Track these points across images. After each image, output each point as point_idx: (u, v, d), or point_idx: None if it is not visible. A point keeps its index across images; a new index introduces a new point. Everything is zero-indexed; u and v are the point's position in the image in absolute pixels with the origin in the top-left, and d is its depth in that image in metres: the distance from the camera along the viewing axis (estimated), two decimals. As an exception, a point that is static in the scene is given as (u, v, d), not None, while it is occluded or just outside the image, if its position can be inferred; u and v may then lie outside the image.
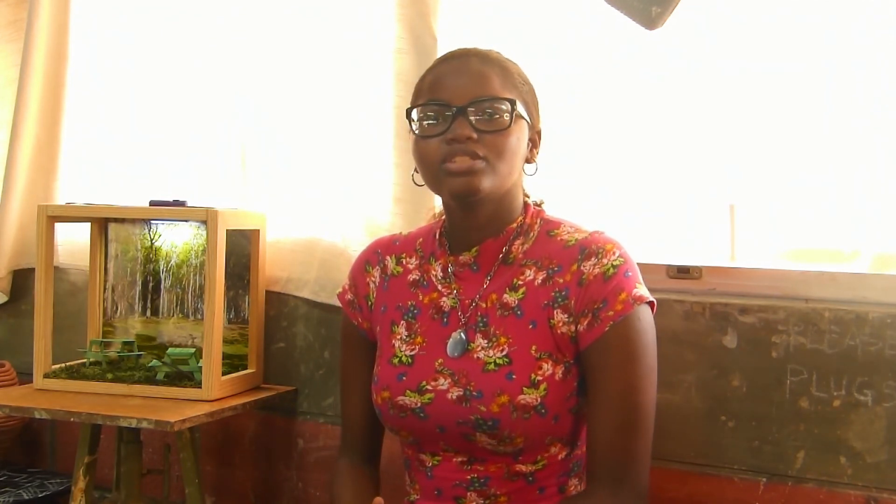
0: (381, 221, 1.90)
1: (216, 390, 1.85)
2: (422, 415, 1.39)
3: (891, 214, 1.60)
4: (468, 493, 1.40)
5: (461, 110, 1.33)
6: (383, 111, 1.91)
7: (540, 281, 1.38)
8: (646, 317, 1.35)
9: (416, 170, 1.44)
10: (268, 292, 2.05)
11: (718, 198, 1.76)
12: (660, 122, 1.78)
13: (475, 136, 1.33)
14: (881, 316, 1.48)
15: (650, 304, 1.36)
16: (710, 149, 1.75)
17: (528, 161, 1.43)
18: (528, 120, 1.40)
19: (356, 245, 1.88)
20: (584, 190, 1.84)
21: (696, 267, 1.68)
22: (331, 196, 2.00)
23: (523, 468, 1.38)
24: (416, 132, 1.38)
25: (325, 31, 2.00)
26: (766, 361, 1.56)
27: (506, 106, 1.35)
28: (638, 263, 1.70)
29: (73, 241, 2.28)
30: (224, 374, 1.89)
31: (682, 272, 1.69)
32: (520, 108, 1.37)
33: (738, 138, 1.72)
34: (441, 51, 1.79)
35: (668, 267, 1.71)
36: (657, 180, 1.80)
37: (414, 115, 1.38)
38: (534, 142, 1.44)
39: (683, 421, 1.62)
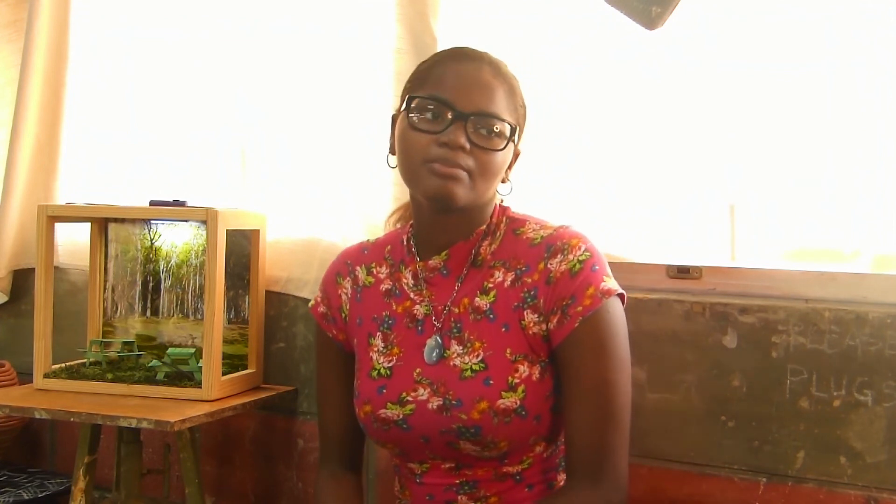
0: (380, 221, 1.89)
1: (216, 390, 1.85)
2: (405, 426, 1.38)
3: (891, 214, 1.60)
4: (459, 497, 1.40)
5: (462, 117, 1.32)
6: (383, 111, 1.90)
7: (509, 282, 1.38)
8: (616, 310, 1.34)
9: (390, 151, 1.43)
10: (268, 292, 2.05)
11: (718, 198, 1.76)
12: (660, 121, 1.78)
13: (468, 146, 1.31)
14: (881, 316, 1.48)
15: (620, 296, 1.36)
16: (711, 149, 1.75)
17: (501, 181, 1.42)
18: (515, 143, 1.40)
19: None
20: (585, 190, 1.83)
21: (696, 267, 1.68)
22: (331, 196, 2.00)
23: (511, 469, 1.38)
24: (410, 121, 1.35)
25: (325, 30, 2.00)
26: (766, 361, 1.56)
27: (505, 128, 1.34)
28: (638, 263, 1.72)
29: (73, 241, 2.29)
30: (224, 374, 1.89)
31: (682, 272, 1.69)
32: (515, 134, 1.37)
33: (738, 138, 1.72)
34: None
35: (668, 267, 1.71)
36: (657, 180, 1.79)
37: (412, 102, 1.36)
38: (510, 163, 1.42)
39: (683, 421, 1.62)
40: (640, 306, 1.64)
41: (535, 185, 1.77)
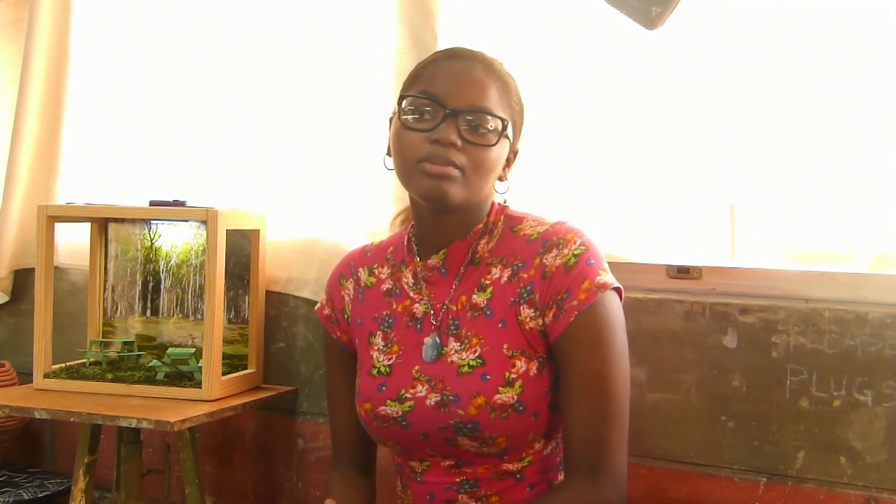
0: (380, 221, 1.90)
1: (216, 390, 1.85)
2: (404, 423, 1.39)
3: (890, 214, 1.60)
4: (459, 496, 1.40)
5: (453, 114, 1.32)
6: (384, 111, 1.90)
7: (506, 278, 1.38)
8: (612, 304, 1.34)
9: (388, 153, 1.43)
10: (268, 292, 2.05)
11: (719, 198, 1.76)
12: (660, 122, 1.78)
13: (459, 143, 1.32)
14: (881, 316, 1.48)
15: (617, 290, 1.35)
16: (711, 149, 1.75)
17: (499, 179, 1.42)
18: (510, 139, 1.39)
19: (356, 245, 1.88)
20: (585, 190, 1.84)
21: (696, 267, 1.68)
22: (331, 196, 2.00)
23: (510, 467, 1.38)
24: (402, 121, 1.36)
25: (326, 30, 2.01)
26: (766, 361, 1.56)
27: (497, 124, 1.34)
28: (638, 263, 1.72)
29: (73, 241, 2.29)
30: (224, 374, 1.89)
31: (682, 272, 1.69)
32: (508, 129, 1.37)
33: (738, 139, 1.73)
34: (441, 51, 1.80)
35: (668, 267, 1.71)
36: (658, 180, 1.80)
37: (404, 102, 1.37)
38: (508, 160, 1.42)
39: (683, 421, 1.62)
40: (640, 306, 1.64)
41: (535, 186, 1.77)
